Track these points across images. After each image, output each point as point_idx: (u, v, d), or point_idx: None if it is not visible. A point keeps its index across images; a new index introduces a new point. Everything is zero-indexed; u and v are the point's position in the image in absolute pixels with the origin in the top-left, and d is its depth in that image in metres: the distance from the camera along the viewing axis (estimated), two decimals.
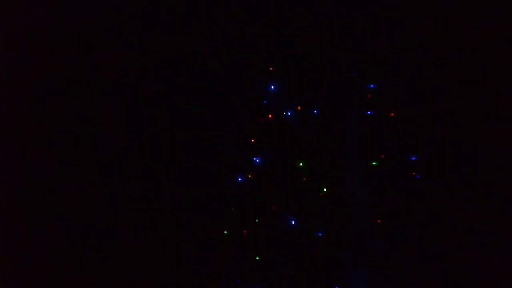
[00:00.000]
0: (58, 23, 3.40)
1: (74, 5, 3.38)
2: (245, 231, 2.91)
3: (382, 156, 2.89)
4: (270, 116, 3.11)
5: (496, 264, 2.78)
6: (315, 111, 2.96)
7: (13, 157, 3.41)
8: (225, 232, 3.04)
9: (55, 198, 3.36)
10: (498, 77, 2.94)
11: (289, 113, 3.00)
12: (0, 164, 3.39)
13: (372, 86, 2.93)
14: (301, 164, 3.00)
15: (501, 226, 2.79)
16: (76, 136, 3.39)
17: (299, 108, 2.98)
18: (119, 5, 3.34)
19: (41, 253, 3.35)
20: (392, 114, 2.90)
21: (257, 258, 2.80)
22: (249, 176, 3.01)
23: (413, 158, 2.89)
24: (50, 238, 3.35)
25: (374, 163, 2.89)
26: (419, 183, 2.87)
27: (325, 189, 3.00)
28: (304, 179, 2.97)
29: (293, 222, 2.85)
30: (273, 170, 2.96)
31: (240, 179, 3.03)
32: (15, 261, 3.35)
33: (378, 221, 2.86)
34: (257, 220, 2.91)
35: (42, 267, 3.34)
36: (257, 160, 3.06)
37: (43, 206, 3.36)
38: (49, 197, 3.36)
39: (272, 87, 3.08)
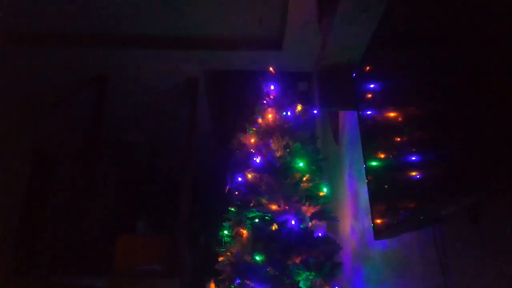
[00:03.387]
0: None
1: None
2: (245, 231, 2.90)
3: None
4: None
5: None
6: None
7: None
8: (225, 232, 3.03)
9: None
10: None
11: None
12: None
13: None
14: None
15: None
16: None
17: (299, 108, 2.99)
18: None
19: None
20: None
21: (257, 258, 2.78)
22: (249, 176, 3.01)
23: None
24: None
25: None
26: None
27: (324, 189, 3.00)
28: (304, 179, 2.98)
29: (293, 222, 2.84)
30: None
31: (240, 179, 3.03)
32: None
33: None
34: (256, 220, 2.90)
35: None
36: (257, 161, 3.06)
37: None
38: None
39: (272, 87, 3.09)
